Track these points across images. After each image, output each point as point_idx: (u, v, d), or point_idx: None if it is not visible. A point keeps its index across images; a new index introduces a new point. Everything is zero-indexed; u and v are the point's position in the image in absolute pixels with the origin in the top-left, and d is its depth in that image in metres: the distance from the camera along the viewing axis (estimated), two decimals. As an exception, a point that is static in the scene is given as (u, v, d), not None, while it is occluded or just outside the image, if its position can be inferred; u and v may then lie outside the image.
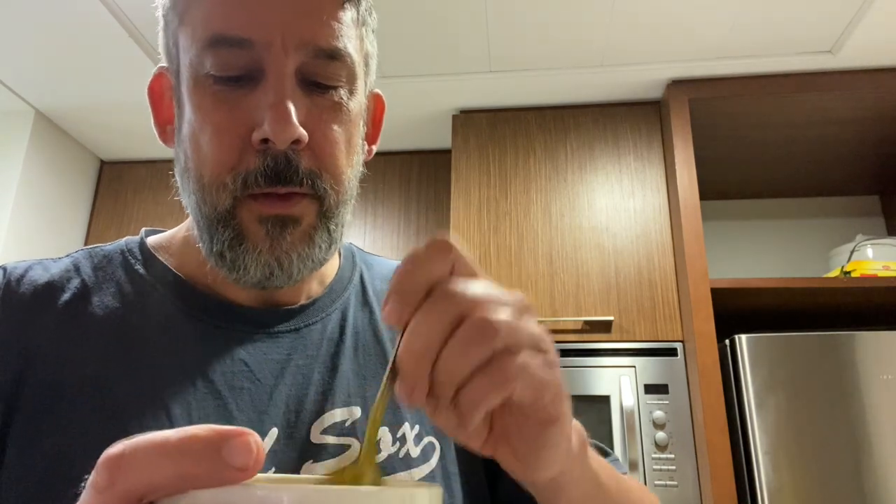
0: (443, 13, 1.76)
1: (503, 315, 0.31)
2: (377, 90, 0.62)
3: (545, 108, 2.14)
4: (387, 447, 0.52)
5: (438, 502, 0.28)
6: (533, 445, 0.35)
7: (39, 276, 0.54)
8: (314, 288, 0.59)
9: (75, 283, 0.55)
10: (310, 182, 0.50)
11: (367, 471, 0.31)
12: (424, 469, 0.53)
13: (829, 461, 1.57)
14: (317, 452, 0.50)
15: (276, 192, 0.49)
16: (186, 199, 0.53)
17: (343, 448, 0.51)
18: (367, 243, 2.30)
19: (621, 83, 2.03)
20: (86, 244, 2.47)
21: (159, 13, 0.56)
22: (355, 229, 2.33)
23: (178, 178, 0.55)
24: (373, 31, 0.58)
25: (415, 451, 0.53)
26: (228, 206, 0.50)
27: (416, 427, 0.55)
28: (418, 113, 2.19)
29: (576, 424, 0.41)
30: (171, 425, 0.48)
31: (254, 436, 0.23)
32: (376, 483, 0.31)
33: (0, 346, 0.50)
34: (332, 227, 0.53)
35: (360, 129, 0.56)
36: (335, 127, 0.52)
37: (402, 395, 0.30)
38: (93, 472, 0.24)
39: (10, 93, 2.12)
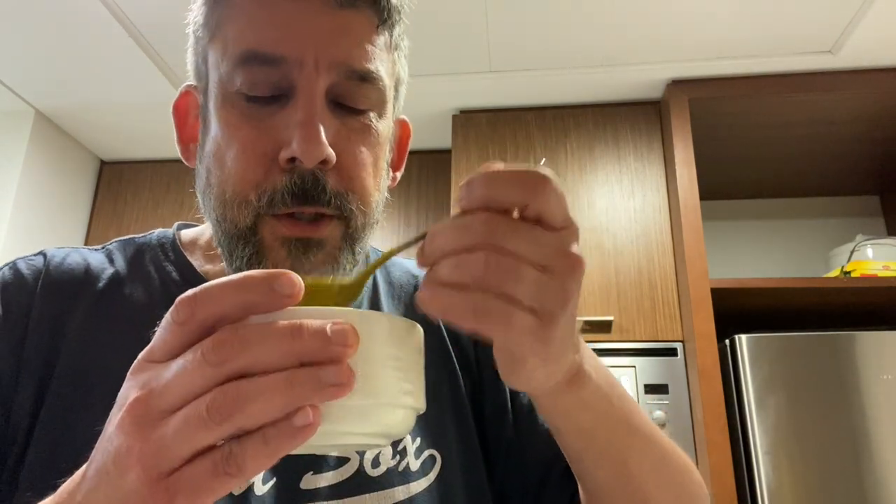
0: (443, 13, 1.76)
1: (531, 278, 0.33)
2: (403, 116, 0.62)
3: (545, 108, 2.14)
4: (386, 461, 0.52)
5: (412, 333, 0.35)
6: (503, 362, 0.37)
7: (78, 264, 0.56)
8: None
9: (109, 273, 0.56)
10: (337, 202, 0.49)
11: (354, 285, 0.39)
12: (422, 483, 0.53)
13: (829, 461, 1.57)
14: (318, 465, 0.51)
15: (302, 211, 0.49)
16: (208, 216, 0.53)
17: (343, 461, 0.51)
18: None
19: (621, 83, 2.03)
20: (86, 244, 2.47)
21: (189, 30, 0.55)
22: (355, 229, 2.33)
23: (199, 196, 0.54)
24: (405, 57, 0.58)
25: (414, 465, 0.53)
26: (250, 223, 0.49)
27: (418, 440, 0.55)
28: (418, 113, 2.19)
29: (586, 355, 0.41)
30: None
31: (294, 274, 0.29)
32: (351, 293, 0.39)
33: (36, 329, 0.51)
34: (358, 249, 0.52)
35: (387, 154, 0.56)
36: (363, 149, 0.51)
37: (419, 258, 0.35)
38: (169, 312, 0.29)
39: (10, 93, 2.12)
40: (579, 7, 1.73)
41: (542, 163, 0.35)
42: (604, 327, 1.85)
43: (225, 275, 0.53)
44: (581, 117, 2.11)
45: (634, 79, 2.00)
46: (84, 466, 0.31)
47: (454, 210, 0.35)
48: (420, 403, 0.34)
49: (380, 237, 0.60)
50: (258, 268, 0.49)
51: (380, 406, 0.32)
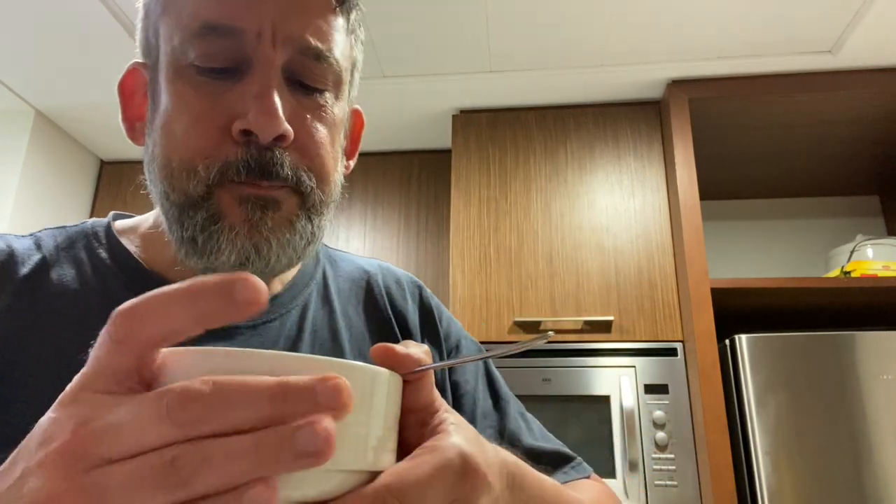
0: (443, 13, 1.76)
1: None
2: (357, 106, 0.61)
3: (545, 108, 2.14)
4: None
5: (398, 387, 0.31)
6: None
7: (0, 250, 0.53)
8: (275, 285, 0.58)
9: (35, 259, 0.53)
10: (295, 179, 0.48)
11: None
12: None
13: (829, 461, 1.57)
14: None
15: (257, 184, 0.47)
16: (153, 189, 0.51)
17: None
18: (367, 244, 2.30)
19: (621, 83, 2.03)
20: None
21: (139, 3, 0.54)
22: (355, 230, 2.33)
23: (145, 170, 0.53)
24: (361, 43, 0.58)
25: None
26: (202, 192, 0.47)
27: None
28: (418, 113, 2.19)
29: (500, 469, 0.36)
30: None
31: (256, 278, 0.24)
32: None
33: None
34: (315, 221, 0.51)
35: (341, 139, 0.55)
36: (320, 128, 0.51)
37: None
38: (106, 326, 0.24)
39: (10, 93, 2.12)
40: (579, 7, 1.73)
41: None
42: (604, 327, 1.85)
43: (165, 264, 0.52)
44: (581, 117, 2.11)
45: (634, 79, 2.00)
46: None
47: None
48: (391, 462, 0.31)
49: (379, 238, 0.59)
50: (213, 229, 0.47)
51: (347, 473, 0.28)
